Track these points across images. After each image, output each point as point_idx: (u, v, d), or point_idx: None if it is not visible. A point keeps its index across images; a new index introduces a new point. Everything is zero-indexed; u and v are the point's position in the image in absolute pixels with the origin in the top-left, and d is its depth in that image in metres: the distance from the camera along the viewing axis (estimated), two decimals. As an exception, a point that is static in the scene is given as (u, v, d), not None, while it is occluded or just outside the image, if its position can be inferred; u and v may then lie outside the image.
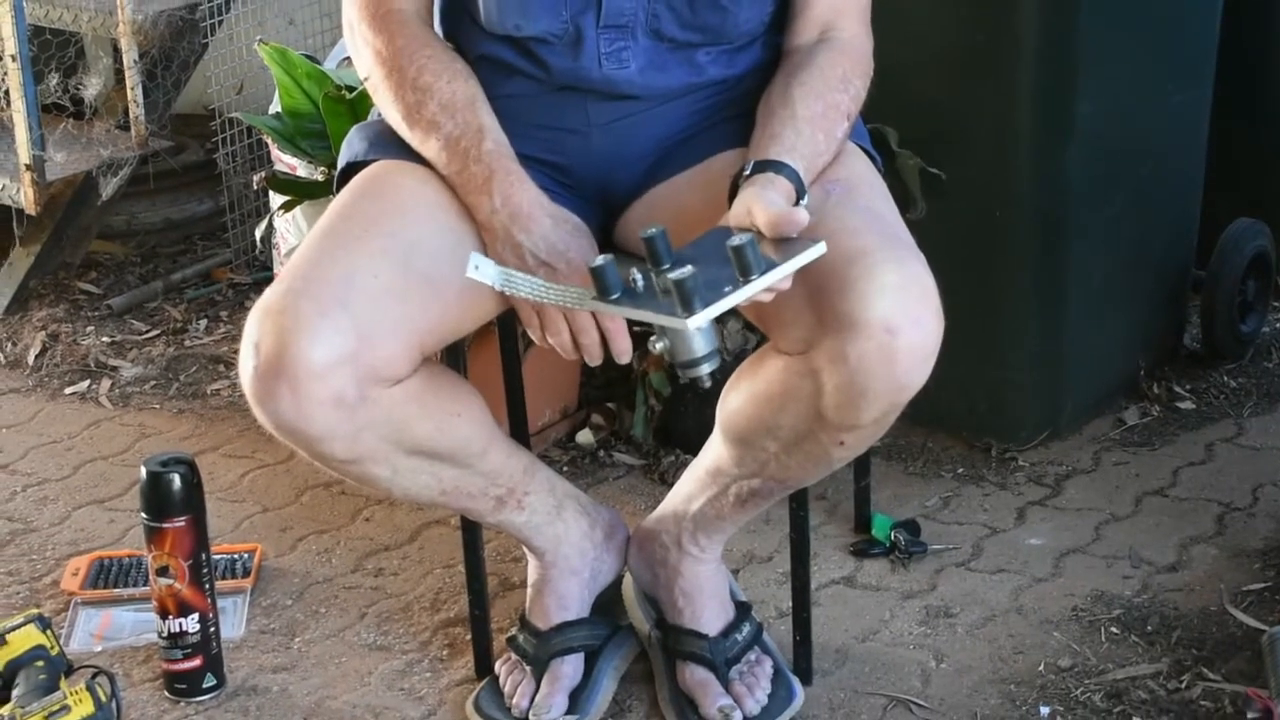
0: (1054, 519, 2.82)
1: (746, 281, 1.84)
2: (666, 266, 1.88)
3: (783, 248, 1.89)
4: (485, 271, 1.93)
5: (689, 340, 1.90)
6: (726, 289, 1.84)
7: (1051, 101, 2.82)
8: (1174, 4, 2.98)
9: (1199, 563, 2.68)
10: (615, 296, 1.89)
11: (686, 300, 1.82)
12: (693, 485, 2.32)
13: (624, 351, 2.06)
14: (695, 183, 2.20)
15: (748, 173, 2.03)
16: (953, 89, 2.86)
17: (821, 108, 2.10)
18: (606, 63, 2.18)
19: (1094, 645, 2.50)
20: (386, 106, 2.19)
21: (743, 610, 2.41)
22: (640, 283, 1.89)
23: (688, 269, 1.82)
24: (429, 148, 2.15)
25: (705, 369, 1.92)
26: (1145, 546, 2.72)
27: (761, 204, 1.93)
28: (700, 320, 1.82)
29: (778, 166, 2.02)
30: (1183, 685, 2.40)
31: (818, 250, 1.89)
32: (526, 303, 2.07)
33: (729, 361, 2.49)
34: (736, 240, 1.84)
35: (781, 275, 1.87)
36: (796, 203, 1.99)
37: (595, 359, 2.07)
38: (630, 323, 2.01)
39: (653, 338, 1.92)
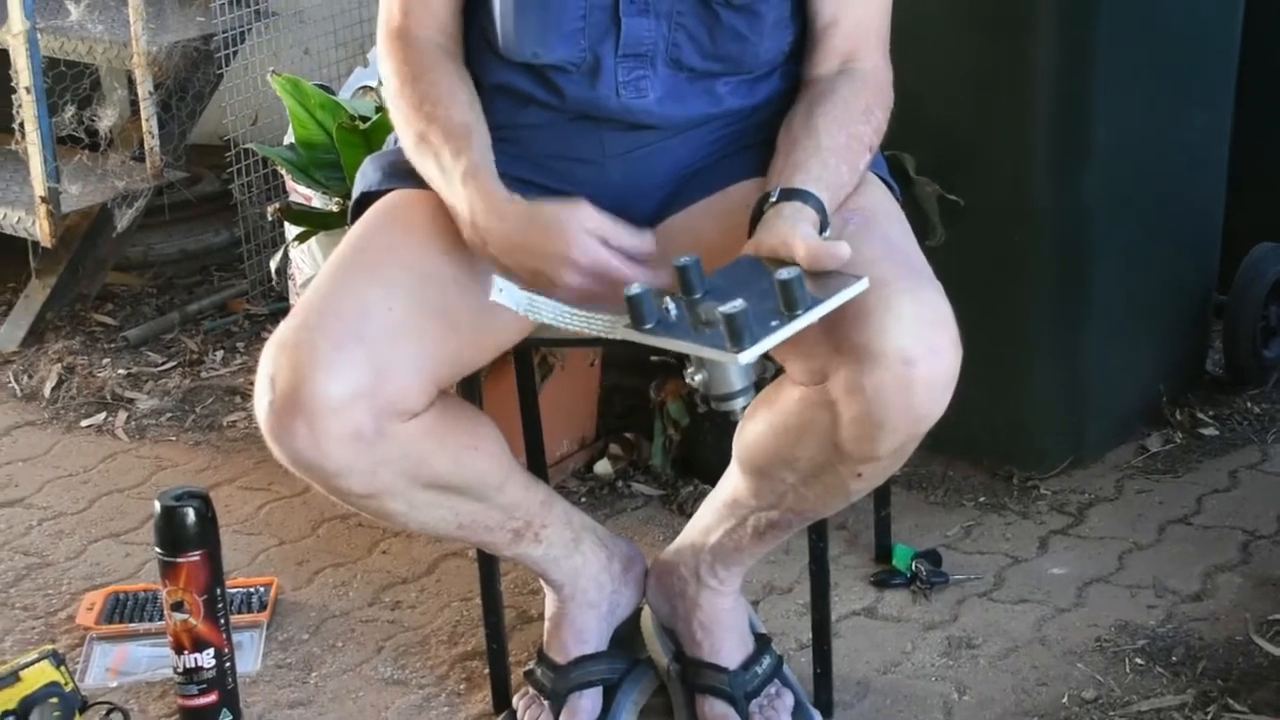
0: (1077, 548, 2.79)
1: (793, 317, 1.82)
2: (699, 296, 1.85)
3: (820, 281, 1.87)
4: (509, 295, 1.90)
5: (730, 374, 1.87)
6: (774, 323, 1.81)
7: (1069, 126, 2.81)
8: (1193, 27, 2.96)
9: (1224, 592, 2.65)
10: (650, 326, 1.86)
11: (736, 335, 1.79)
12: (710, 517, 2.30)
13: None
14: (713, 212, 2.18)
15: (774, 199, 2.01)
16: (970, 115, 2.85)
17: (845, 139, 2.09)
18: (624, 92, 2.16)
19: (1118, 676, 2.47)
20: (400, 130, 2.18)
21: (762, 643, 2.39)
22: (674, 312, 1.86)
23: (739, 303, 1.78)
24: (429, 173, 2.12)
25: (740, 403, 1.90)
26: (1169, 575, 2.70)
27: (799, 236, 1.91)
28: (751, 355, 1.80)
29: (804, 196, 2.00)
30: (1208, 717, 2.37)
31: (861, 286, 1.86)
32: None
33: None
34: (785, 275, 1.81)
35: (827, 310, 1.84)
36: (820, 233, 1.97)
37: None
38: (661, 350, 1.98)
39: (690, 369, 1.89)
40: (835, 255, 1.89)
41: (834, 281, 1.87)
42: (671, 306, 1.87)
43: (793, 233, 1.92)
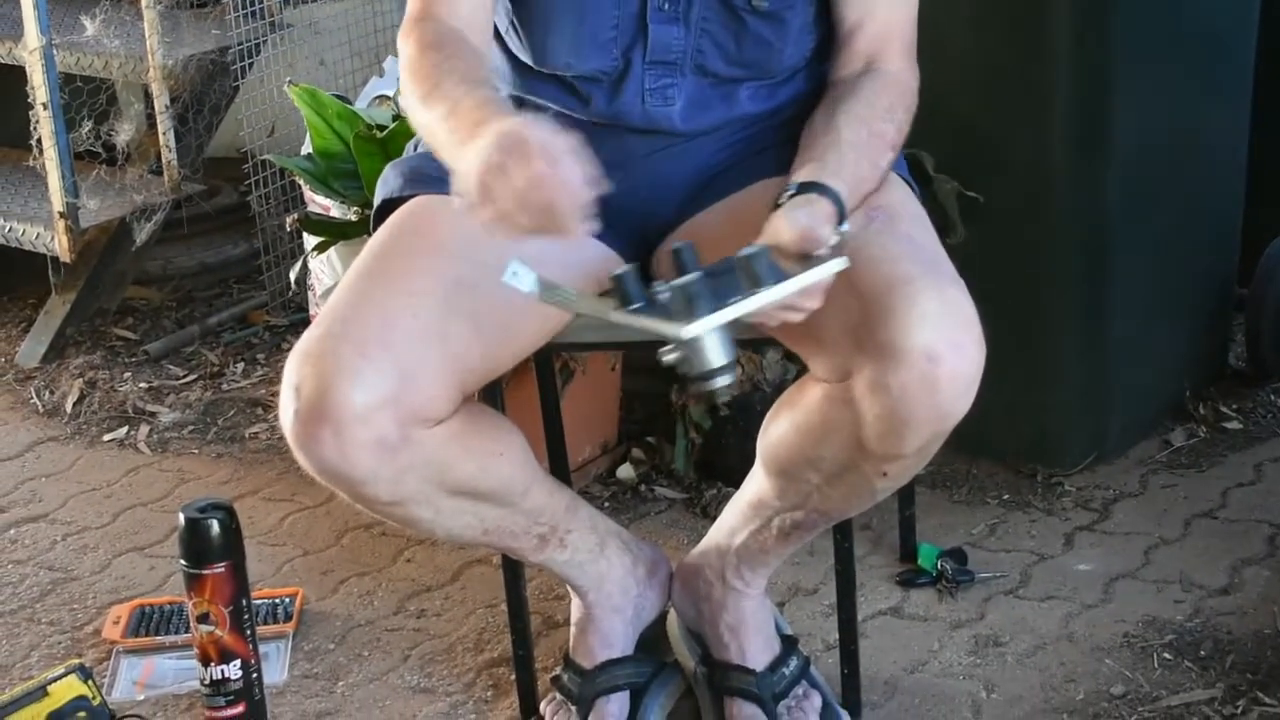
0: (1103, 544, 2.79)
1: (752, 293, 1.80)
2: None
3: (805, 265, 1.86)
4: (523, 279, 1.87)
5: (699, 351, 1.81)
6: (732, 299, 1.79)
7: (1088, 122, 2.80)
8: (1210, 21, 2.96)
9: (1251, 585, 2.65)
10: (637, 306, 1.83)
11: (690, 308, 1.77)
12: (735, 518, 2.30)
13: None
14: (734, 210, 2.18)
15: (790, 193, 2.00)
16: (990, 113, 2.85)
17: (867, 135, 2.08)
18: (650, 99, 2.16)
19: (1147, 672, 2.46)
20: (413, 87, 2.06)
21: (789, 644, 2.39)
22: (665, 296, 1.84)
23: (693, 275, 1.77)
24: (433, 120, 1.99)
25: (720, 382, 1.82)
26: (1196, 570, 2.69)
27: (788, 220, 1.90)
28: (695, 329, 1.77)
29: (820, 189, 1.98)
30: (1238, 710, 2.37)
31: (836, 265, 1.84)
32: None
33: (769, 393, 2.48)
34: (746, 251, 1.80)
35: (792, 288, 1.81)
36: (838, 226, 1.96)
37: None
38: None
39: (662, 348, 1.83)
40: (815, 237, 1.87)
41: (815, 264, 1.85)
42: (665, 292, 1.84)
43: (784, 218, 1.91)
